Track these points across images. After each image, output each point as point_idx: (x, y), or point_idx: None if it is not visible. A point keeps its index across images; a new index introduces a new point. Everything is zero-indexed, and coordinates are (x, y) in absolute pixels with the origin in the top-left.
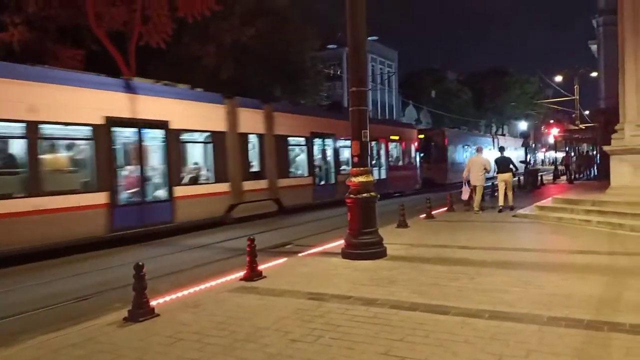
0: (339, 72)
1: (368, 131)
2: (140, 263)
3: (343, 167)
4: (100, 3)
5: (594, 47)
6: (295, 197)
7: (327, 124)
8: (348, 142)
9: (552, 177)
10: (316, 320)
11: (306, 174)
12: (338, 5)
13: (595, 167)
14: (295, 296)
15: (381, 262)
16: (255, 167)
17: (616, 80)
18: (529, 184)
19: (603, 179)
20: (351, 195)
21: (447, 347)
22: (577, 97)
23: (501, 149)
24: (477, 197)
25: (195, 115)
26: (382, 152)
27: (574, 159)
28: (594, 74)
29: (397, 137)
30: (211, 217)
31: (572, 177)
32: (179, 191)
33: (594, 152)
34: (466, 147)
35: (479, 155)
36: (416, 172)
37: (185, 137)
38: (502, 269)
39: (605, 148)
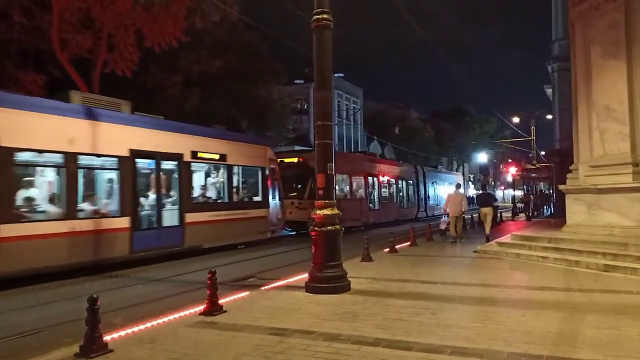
0: (305, 107)
1: (325, 163)
2: (95, 296)
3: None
4: (66, 29)
5: (549, 91)
6: None
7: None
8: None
9: (511, 214)
10: (277, 356)
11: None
12: (306, 42)
13: (552, 205)
14: (257, 331)
15: (345, 296)
16: None
17: (570, 123)
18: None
19: (560, 216)
20: (315, 228)
21: None
22: (534, 138)
23: (483, 187)
24: (459, 227)
25: None
26: (183, 179)
27: (531, 197)
28: (549, 117)
29: (224, 157)
30: None
31: (531, 214)
32: None
33: (551, 191)
34: (371, 178)
35: (457, 191)
36: (267, 214)
37: None
38: (462, 304)
39: (561, 187)
